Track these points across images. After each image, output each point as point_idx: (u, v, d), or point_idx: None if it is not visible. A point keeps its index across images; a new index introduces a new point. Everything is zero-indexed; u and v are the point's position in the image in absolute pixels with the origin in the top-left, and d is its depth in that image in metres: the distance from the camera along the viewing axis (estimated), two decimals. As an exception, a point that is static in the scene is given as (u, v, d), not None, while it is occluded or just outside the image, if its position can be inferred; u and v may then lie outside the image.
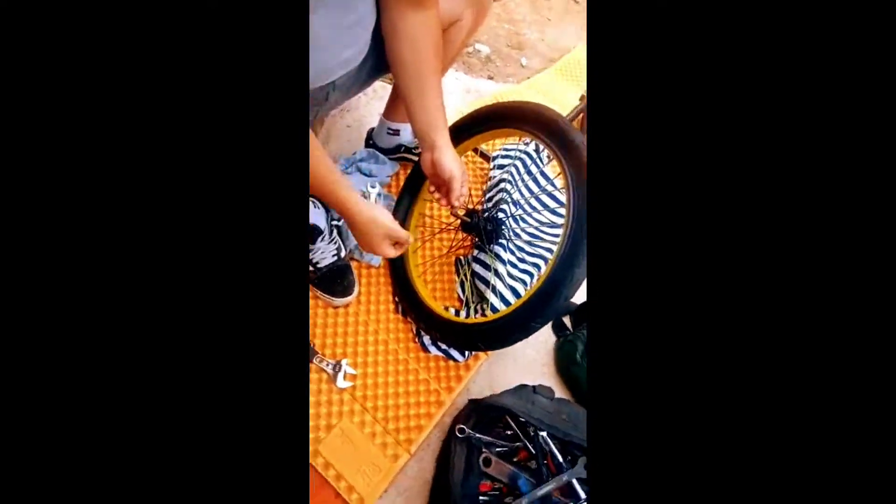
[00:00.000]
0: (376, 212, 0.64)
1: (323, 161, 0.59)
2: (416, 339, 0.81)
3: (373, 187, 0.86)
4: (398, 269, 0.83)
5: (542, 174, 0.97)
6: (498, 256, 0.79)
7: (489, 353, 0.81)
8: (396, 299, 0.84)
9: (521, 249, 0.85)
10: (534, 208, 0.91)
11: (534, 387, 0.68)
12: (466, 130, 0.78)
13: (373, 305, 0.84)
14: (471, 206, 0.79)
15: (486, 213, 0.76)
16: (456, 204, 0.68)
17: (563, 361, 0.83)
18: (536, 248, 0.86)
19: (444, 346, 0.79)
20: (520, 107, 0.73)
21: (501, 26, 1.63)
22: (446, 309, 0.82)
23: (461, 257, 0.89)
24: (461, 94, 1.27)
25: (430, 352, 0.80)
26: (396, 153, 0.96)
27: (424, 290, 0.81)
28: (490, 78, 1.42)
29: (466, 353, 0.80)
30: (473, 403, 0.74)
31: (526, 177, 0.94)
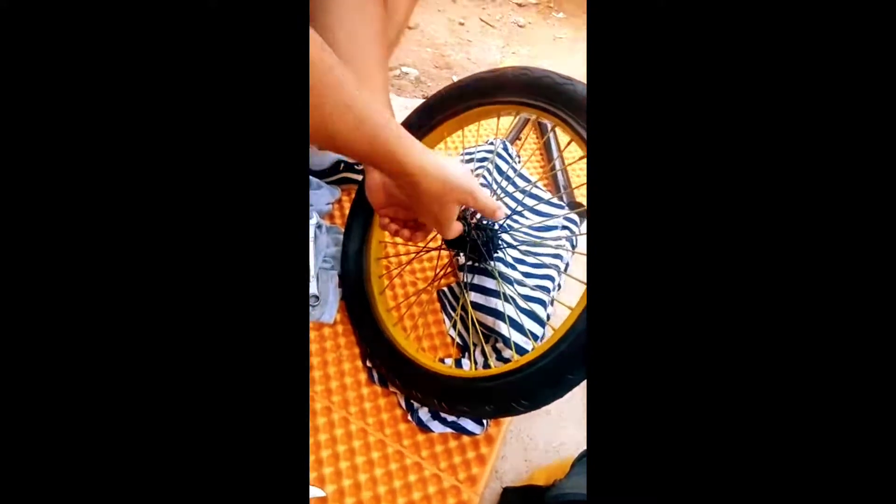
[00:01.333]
0: (448, 163, 0.42)
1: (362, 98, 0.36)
2: (409, 416, 0.55)
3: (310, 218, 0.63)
4: (364, 322, 0.59)
5: (520, 175, 0.81)
6: (503, 276, 0.58)
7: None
8: (369, 365, 0.58)
9: (522, 262, 0.65)
10: (519, 213, 0.73)
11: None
12: (437, 113, 0.59)
13: (334, 382, 0.57)
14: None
15: (474, 221, 0.56)
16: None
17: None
18: (539, 258, 0.66)
19: (450, 418, 0.54)
20: (519, 74, 0.52)
21: (424, 50, 1.55)
22: (442, 361, 0.59)
23: (445, 289, 0.67)
24: (398, 111, 1.11)
25: (431, 430, 0.54)
26: (335, 173, 0.75)
27: (407, 341, 0.57)
28: (424, 97, 1.29)
29: (485, 420, 0.55)
30: (513, 494, 0.49)
31: (503, 181, 0.77)
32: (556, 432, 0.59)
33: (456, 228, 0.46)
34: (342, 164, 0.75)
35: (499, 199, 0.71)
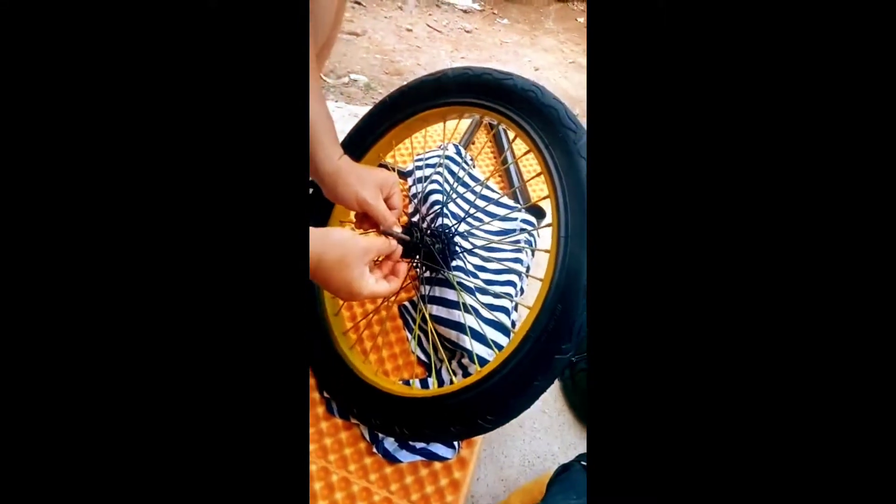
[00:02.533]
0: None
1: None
2: (375, 448, 0.51)
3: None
4: (318, 348, 0.54)
5: (476, 180, 0.79)
6: (464, 286, 0.55)
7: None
8: (326, 395, 0.53)
9: (482, 270, 0.62)
10: (477, 219, 0.71)
11: (581, 462, 0.43)
12: (383, 121, 0.55)
13: (289, 417, 0.52)
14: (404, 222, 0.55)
15: (427, 226, 0.53)
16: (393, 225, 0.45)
17: (582, 400, 0.60)
18: (501, 264, 0.64)
19: (419, 444, 0.50)
20: (478, 75, 0.48)
21: (373, 56, 1.52)
22: (406, 383, 0.55)
23: (407, 303, 0.63)
24: (347, 119, 1.07)
25: (400, 460, 0.50)
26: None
27: (365, 365, 0.52)
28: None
29: (456, 442, 0.52)
30: (491, 520, 0.46)
31: (457, 186, 0.74)
32: (531, 445, 0.56)
33: (363, 292, 0.40)
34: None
35: (449, 203, 0.68)
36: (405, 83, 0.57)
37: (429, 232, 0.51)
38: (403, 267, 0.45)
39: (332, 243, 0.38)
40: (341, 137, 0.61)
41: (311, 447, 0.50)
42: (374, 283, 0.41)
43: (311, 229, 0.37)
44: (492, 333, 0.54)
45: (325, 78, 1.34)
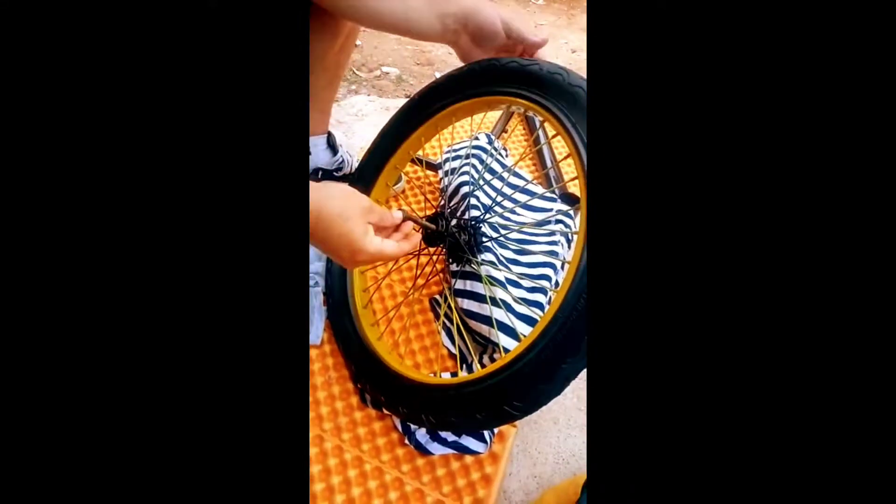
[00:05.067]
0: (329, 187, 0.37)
1: None
2: (407, 440, 0.51)
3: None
4: (350, 339, 0.55)
5: (505, 168, 0.76)
6: (493, 279, 0.54)
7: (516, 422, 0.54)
8: (359, 386, 0.54)
9: (515, 263, 0.61)
10: (510, 210, 0.69)
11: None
12: (420, 113, 0.54)
13: (324, 408, 0.54)
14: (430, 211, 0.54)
15: (454, 217, 0.52)
16: None
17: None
18: (534, 257, 0.62)
19: (451, 437, 0.50)
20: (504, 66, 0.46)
21: (405, 48, 1.51)
22: (435, 375, 0.55)
23: (437, 296, 0.63)
24: (380, 113, 1.07)
25: (431, 452, 0.50)
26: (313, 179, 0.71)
27: (391, 355, 0.53)
28: (407, 96, 1.25)
29: (488, 435, 0.51)
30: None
31: (488, 175, 0.73)
32: (565, 442, 0.55)
33: (367, 255, 0.38)
34: (320, 171, 0.71)
35: (477, 191, 0.67)
36: (433, 80, 0.56)
37: (455, 222, 0.50)
38: (414, 235, 0.42)
39: (332, 195, 0.36)
40: (376, 132, 0.61)
41: (346, 436, 0.52)
42: (381, 242, 0.38)
43: (311, 183, 0.35)
44: (524, 329, 0.53)
45: (356, 72, 1.35)
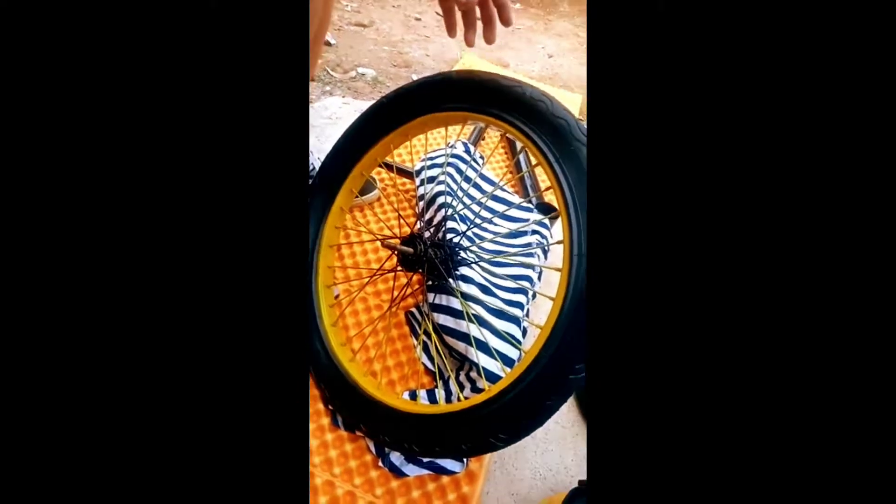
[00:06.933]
0: None
1: None
2: (381, 462, 0.50)
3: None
4: (320, 360, 0.53)
5: (483, 177, 0.76)
6: (467, 296, 0.53)
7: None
8: (331, 407, 0.52)
9: (494, 276, 0.60)
10: (487, 220, 0.68)
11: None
12: (390, 118, 0.52)
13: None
14: (404, 231, 0.52)
15: (430, 236, 0.51)
16: None
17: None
18: (512, 269, 0.61)
19: (426, 458, 0.49)
20: (476, 79, 0.46)
21: (381, 49, 1.48)
22: (412, 396, 0.53)
23: (414, 310, 0.62)
24: (354, 116, 1.04)
25: (406, 474, 0.49)
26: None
27: (366, 379, 0.51)
28: (383, 99, 1.23)
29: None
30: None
31: (465, 185, 0.72)
32: (543, 458, 0.55)
33: None
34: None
35: (457, 205, 0.66)
36: (403, 84, 0.54)
37: (431, 242, 0.49)
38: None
39: None
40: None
41: (316, 459, 0.50)
42: None
43: None
44: (501, 346, 0.52)
45: (331, 72, 1.31)
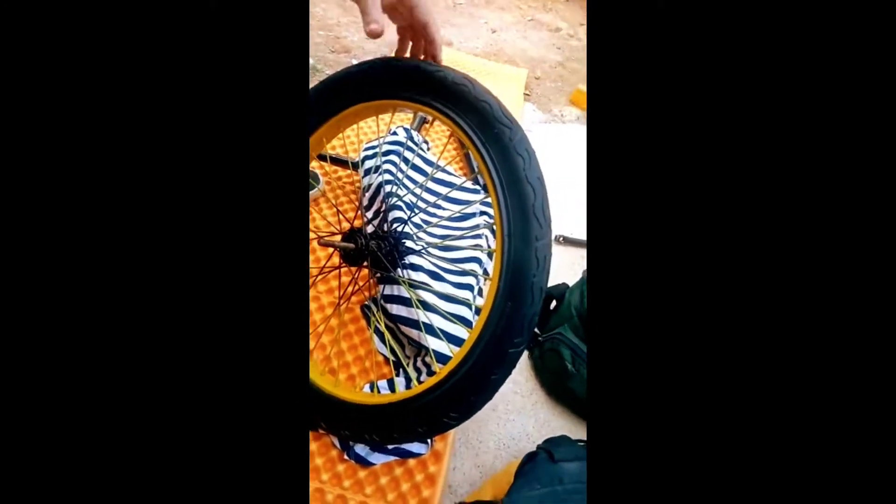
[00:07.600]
0: None
1: None
2: (347, 455, 0.50)
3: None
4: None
5: (427, 161, 0.75)
6: (415, 284, 0.54)
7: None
8: (291, 409, 0.52)
9: (442, 260, 0.61)
10: (434, 205, 0.68)
11: (546, 451, 0.44)
12: (325, 108, 0.51)
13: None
14: (346, 226, 0.52)
15: (374, 229, 0.50)
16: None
17: (552, 378, 0.60)
18: (461, 253, 0.62)
19: (391, 445, 0.50)
20: (407, 68, 0.45)
21: (316, 34, 1.41)
22: (372, 388, 0.54)
23: (369, 302, 0.62)
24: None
25: (372, 463, 0.50)
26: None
27: (325, 379, 0.51)
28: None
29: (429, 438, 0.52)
30: (468, 510, 0.47)
31: (410, 171, 0.71)
32: (505, 428, 0.57)
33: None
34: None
35: (400, 191, 0.66)
36: (328, 74, 0.52)
37: (373, 234, 0.49)
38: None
39: None
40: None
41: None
42: None
43: None
44: (452, 329, 0.53)
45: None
